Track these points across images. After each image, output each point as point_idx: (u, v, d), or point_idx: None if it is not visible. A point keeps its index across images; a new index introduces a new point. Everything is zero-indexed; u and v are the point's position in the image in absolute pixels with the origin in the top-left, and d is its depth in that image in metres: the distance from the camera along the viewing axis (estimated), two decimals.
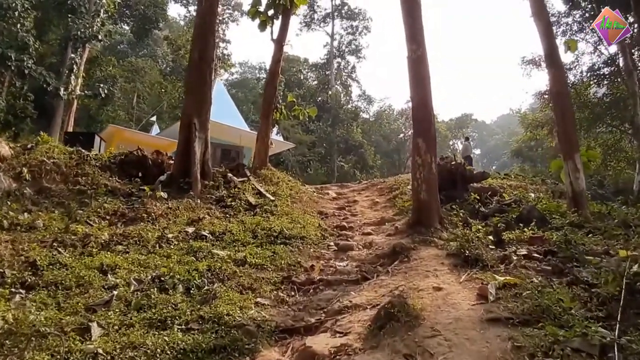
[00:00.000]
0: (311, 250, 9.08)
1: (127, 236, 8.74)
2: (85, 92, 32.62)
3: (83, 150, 13.37)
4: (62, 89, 29.98)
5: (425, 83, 9.94)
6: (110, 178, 12.52)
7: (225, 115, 27.80)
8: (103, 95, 32.95)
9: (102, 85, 32.88)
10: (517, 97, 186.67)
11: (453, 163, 12.73)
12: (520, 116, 43.92)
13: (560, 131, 11.40)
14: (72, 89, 31.06)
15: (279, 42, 16.33)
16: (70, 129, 31.67)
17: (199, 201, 11.90)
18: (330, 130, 45.26)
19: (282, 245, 8.93)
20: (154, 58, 53.28)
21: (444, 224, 9.59)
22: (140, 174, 13.23)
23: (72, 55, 31.28)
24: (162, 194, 11.42)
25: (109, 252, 7.78)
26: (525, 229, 8.90)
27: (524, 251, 7.22)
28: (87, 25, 30.88)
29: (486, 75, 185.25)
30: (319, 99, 47.69)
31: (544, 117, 34.90)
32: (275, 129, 30.47)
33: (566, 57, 23.27)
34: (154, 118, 34.05)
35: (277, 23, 16.46)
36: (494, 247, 7.63)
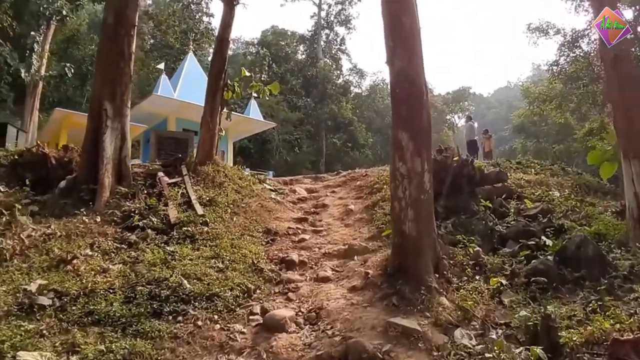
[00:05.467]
0: (216, 327, 5.07)
1: None
2: (50, 72, 28.45)
3: None
4: (22, 70, 25.98)
5: (412, 37, 5.78)
6: None
7: (199, 93, 23.65)
8: (70, 75, 28.82)
9: (67, 64, 28.66)
10: (515, 70, 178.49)
11: (456, 159, 8.54)
12: (522, 89, 39.22)
13: (617, 114, 7.19)
14: (35, 70, 27.04)
15: (230, 1, 12.02)
16: (36, 112, 27.96)
17: (98, 219, 8.17)
18: (319, 107, 40.65)
19: (164, 322, 5.00)
20: (140, 35, 48.91)
21: (443, 271, 5.55)
22: (38, 178, 9.54)
23: (33, 33, 27.19)
24: (23, 218, 7.40)
25: None
26: (588, 306, 4.86)
27: None
28: (50, 2, 26.71)
29: (482, 45, 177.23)
30: (309, 73, 42.96)
31: (551, 91, 30.54)
32: (253, 106, 26.25)
33: (578, 22, 18.82)
34: None
35: None
36: None
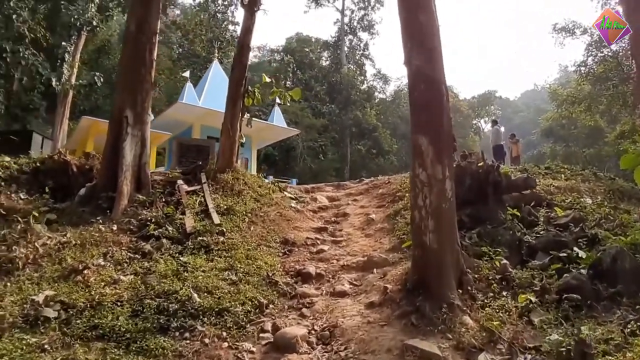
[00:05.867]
0: (224, 345, 4.76)
1: None
2: (80, 81, 28.85)
3: None
4: (54, 79, 26.39)
5: (430, 35, 5.39)
6: (14, 194, 8.63)
7: (224, 101, 23.53)
8: (99, 84, 29.14)
9: (97, 74, 28.98)
10: (542, 72, 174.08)
11: (481, 164, 8.07)
12: (550, 92, 38.04)
13: None
14: (65, 79, 27.47)
15: (250, 7, 11.81)
16: (66, 120, 28.42)
17: (114, 227, 8.03)
18: (343, 113, 40.18)
19: (170, 339, 4.74)
20: (169, 45, 49.53)
21: (467, 287, 5.13)
22: (59, 186, 9.24)
23: (64, 43, 27.59)
24: (38, 227, 7.27)
25: None
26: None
27: None
28: (81, 12, 27.11)
29: (507, 48, 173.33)
30: (333, 79, 42.59)
31: (580, 93, 29.48)
32: (277, 113, 26.01)
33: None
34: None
35: None
36: None
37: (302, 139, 35.76)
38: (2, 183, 8.90)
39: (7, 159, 9.97)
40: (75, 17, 26.81)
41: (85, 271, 6.23)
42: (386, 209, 9.61)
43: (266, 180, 12.13)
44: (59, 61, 27.20)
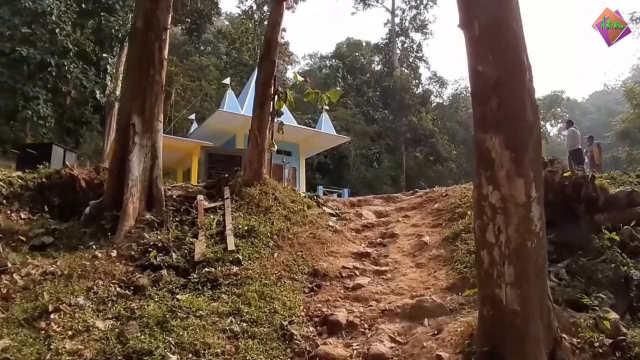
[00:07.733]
0: None
1: None
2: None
3: None
4: (97, 92, 26.35)
5: None
6: (15, 214, 7.85)
7: None
8: None
9: None
10: (612, 72, 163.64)
11: (567, 174, 6.22)
12: (625, 91, 34.74)
13: None
14: (110, 91, 27.40)
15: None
16: (112, 132, 28.37)
17: (114, 253, 6.93)
18: (397, 119, 38.13)
19: None
20: (218, 55, 49.64)
21: None
22: (66, 203, 8.43)
23: (105, 55, 27.46)
24: (12, 255, 6.21)
25: None
26: None
27: None
28: (122, 23, 26.98)
29: (573, 45, 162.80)
30: (385, 84, 40.71)
31: None
32: (325, 119, 24.60)
33: None
34: (192, 116, 29.46)
35: None
36: None
37: (355, 146, 34.21)
38: (4, 201, 8.04)
39: (15, 174, 9.10)
40: (116, 28, 26.67)
41: (54, 315, 4.97)
42: (443, 230, 7.86)
43: (302, 194, 10.66)
44: (101, 73, 27.15)
